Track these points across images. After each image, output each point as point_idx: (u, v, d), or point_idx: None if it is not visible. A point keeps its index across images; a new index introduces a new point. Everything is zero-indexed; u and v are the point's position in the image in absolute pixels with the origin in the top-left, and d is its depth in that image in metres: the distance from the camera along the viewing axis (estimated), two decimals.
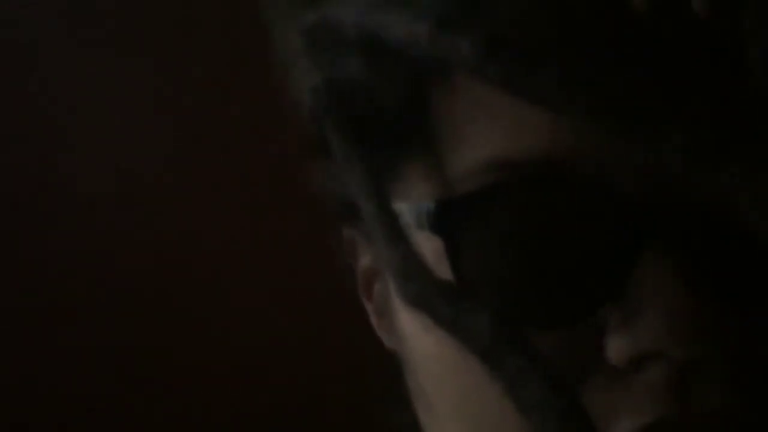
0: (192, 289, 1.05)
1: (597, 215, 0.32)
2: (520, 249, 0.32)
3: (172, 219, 1.04)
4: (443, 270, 0.33)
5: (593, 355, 0.32)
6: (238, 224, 1.04)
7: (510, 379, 0.31)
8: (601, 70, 0.29)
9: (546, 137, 0.31)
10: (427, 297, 0.32)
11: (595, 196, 0.32)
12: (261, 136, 1.00)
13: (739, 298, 0.31)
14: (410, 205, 0.34)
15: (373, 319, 0.40)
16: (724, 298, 0.31)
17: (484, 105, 0.32)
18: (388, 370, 0.39)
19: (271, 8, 0.38)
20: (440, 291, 0.32)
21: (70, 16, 1.02)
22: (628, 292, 0.31)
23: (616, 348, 0.32)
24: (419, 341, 0.35)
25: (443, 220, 0.33)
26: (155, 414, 1.05)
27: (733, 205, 0.27)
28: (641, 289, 0.31)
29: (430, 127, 0.34)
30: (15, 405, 1.04)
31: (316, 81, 0.36)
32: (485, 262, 0.33)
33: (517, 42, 0.30)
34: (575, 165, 0.31)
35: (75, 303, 1.04)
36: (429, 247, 0.33)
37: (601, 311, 0.32)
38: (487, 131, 0.32)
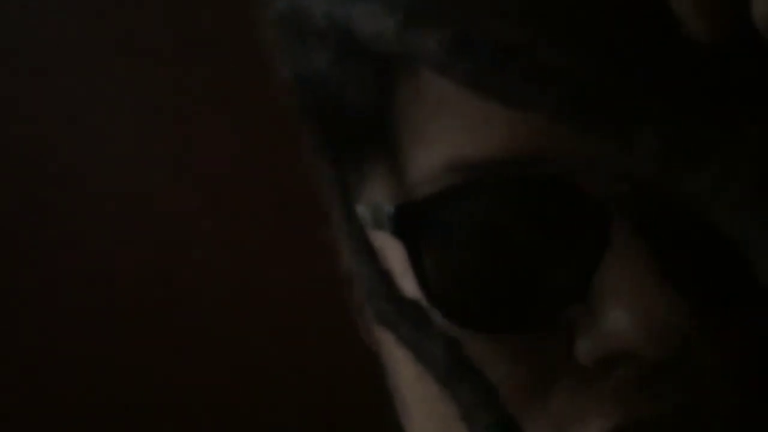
0: (191, 290, 1.05)
1: (560, 215, 0.31)
2: (482, 252, 0.32)
3: (171, 220, 1.04)
4: (411, 275, 0.33)
5: (563, 357, 0.32)
6: (240, 224, 1.04)
7: (463, 406, 0.31)
8: (570, 66, 0.28)
9: (508, 137, 0.30)
10: (390, 316, 0.32)
11: (557, 196, 0.31)
12: (261, 134, 1.00)
13: (708, 298, 0.31)
14: (372, 208, 0.34)
15: (357, 319, 0.40)
16: (691, 297, 0.30)
17: (447, 105, 0.31)
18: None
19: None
20: (402, 311, 0.32)
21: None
22: (593, 292, 0.31)
23: (583, 349, 0.31)
24: (390, 346, 0.35)
25: (403, 223, 0.33)
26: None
27: (705, 210, 0.26)
28: (606, 288, 0.30)
29: (393, 126, 0.33)
30: (15, 405, 1.04)
31: (289, 74, 0.35)
32: (448, 266, 0.32)
33: (484, 38, 0.28)
34: (537, 165, 0.30)
35: (75, 305, 1.04)
36: (397, 251, 0.33)
37: (568, 312, 0.31)
38: (449, 131, 0.32)
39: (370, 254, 0.33)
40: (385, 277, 0.33)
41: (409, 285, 0.33)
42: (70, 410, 1.04)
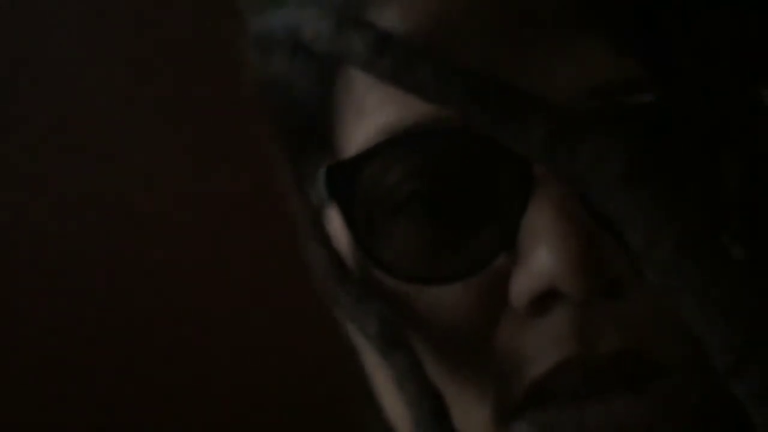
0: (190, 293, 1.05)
1: (484, 165, 0.33)
2: (411, 205, 0.34)
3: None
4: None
5: (500, 305, 0.33)
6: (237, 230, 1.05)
7: (395, 376, 0.33)
8: (474, 65, 0.32)
9: (433, 106, 0.33)
10: (339, 296, 0.35)
11: (481, 150, 0.33)
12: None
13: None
14: (316, 186, 0.36)
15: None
16: (614, 235, 0.31)
17: (376, 87, 0.34)
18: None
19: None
20: (347, 289, 0.34)
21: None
22: (521, 237, 0.32)
23: (515, 292, 0.33)
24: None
25: (334, 183, 0.35)
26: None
27: (587, 190, 0.30)
28: (532, 231, 0.32)
29: (335, 114, 0.36)
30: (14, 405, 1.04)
31: (256, 84, 0.38)
32: (379, 221, 0.34)
33: (403, 39, 0.32)
34: (463, 124, 0.32)
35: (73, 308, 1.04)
36: (342, 223, 0.35)
37: (500, 260, 0.33)
38: (379, 106, 0.34)
39: (323, 238, 0.36)
40: (334, 259, 0.35)
41: (352, 252, 0.35)
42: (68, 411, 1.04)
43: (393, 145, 0.34)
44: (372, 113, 0.34)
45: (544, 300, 0.32)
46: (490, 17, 0.33)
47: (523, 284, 0.32)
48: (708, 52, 0.33)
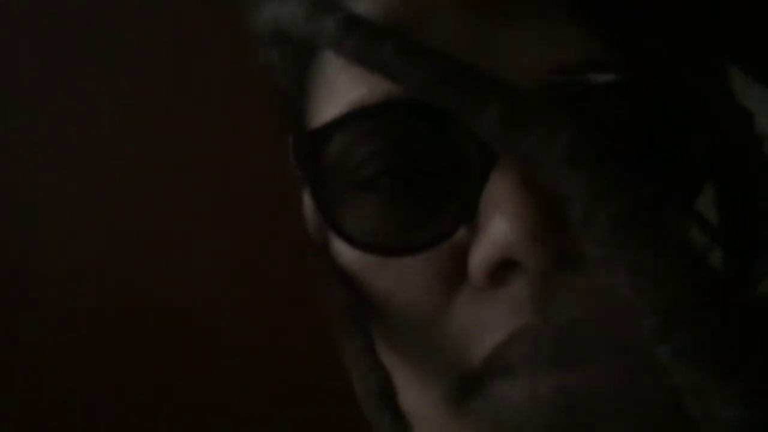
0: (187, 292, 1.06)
1: (448, 141, 0.34)
2: (373, 177, 0.34)
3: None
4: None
5: (461, 277, 0.34)
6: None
7: (350, 354, 0.34)
8: (440, 44, 0.33)
9: (402, 86, 0.33)
10: (322, 273, 0.35)
11: (445, 125, 0.33)
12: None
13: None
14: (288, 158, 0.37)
15: None
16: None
17: (347, 68, 0.35)
18: None
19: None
20: (324, 265, 0.35)
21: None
22: (481, 209, 0.33)
23: (472, 262, 0.33)
24: None
25: (300, 153, 0.36)
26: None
27: (539, 168, 0.31)
28: (490, 203, 0.33)
29: (311, 97, 0.37)
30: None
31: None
32: (343, 191, 0.35)
33: (370, 20, 0.33)
34: (426, 103, 0.33)
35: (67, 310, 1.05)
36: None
37: (461, 234, 0.34)
38: (350, 85, 0.35)
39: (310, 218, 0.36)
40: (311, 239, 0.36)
41: (319, 226, 0.36)
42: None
43: (360, 116, 0.34)
44: (342, 93, 0.35)
45: (503, 271, 0.33)
46: None
47: (481, 254, 0.33)
48: (674, 33, 0.34)
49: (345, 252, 0.35)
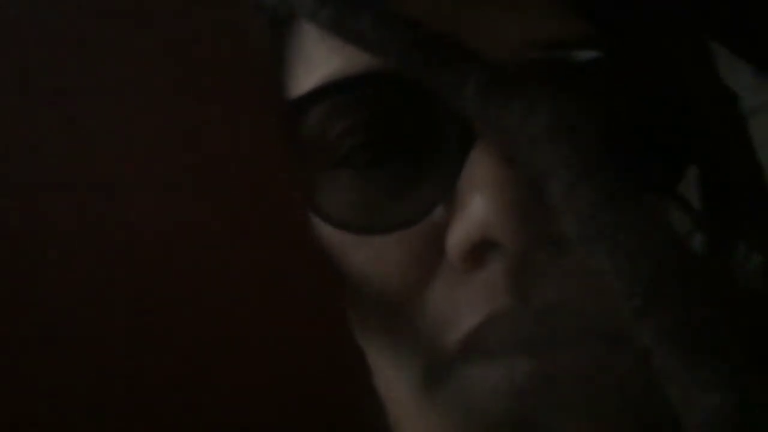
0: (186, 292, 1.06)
1: (427, 117, 0.33)
2: (354, 156, 0.34)
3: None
4: None
5: (437, 259, 0.33)
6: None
7: None
8: (419, 16, 0.31)
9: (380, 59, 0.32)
10: None
11: (424, 101, 0.33)
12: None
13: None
14: None
15: None
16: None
17: (323, 41, 0.34)
18: None
19: None
20: None
21: None
22: (459, 188, 0.32)
23: (450, 242, 0.33)
24: None
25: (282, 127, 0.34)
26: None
27: (515, 145, 0.30)
28: (469, 182, 0.32)
29: (289, 70, 0.36)
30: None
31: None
32: (323, 171, 0.34)
33: None
34: (405, 77, 0.32)
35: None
36: None
37: (439, 213, 0.33)
38: (327, 58, 0.34)
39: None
40: None
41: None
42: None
43: (336, 89, 0.34)
44: (319, 65, 0.34)
45: (481, 252, 0.32)
46: None
47: (459, 234, 0.32)
48: (655, 10, 0.33)
49: (323, 229, 0.35)
